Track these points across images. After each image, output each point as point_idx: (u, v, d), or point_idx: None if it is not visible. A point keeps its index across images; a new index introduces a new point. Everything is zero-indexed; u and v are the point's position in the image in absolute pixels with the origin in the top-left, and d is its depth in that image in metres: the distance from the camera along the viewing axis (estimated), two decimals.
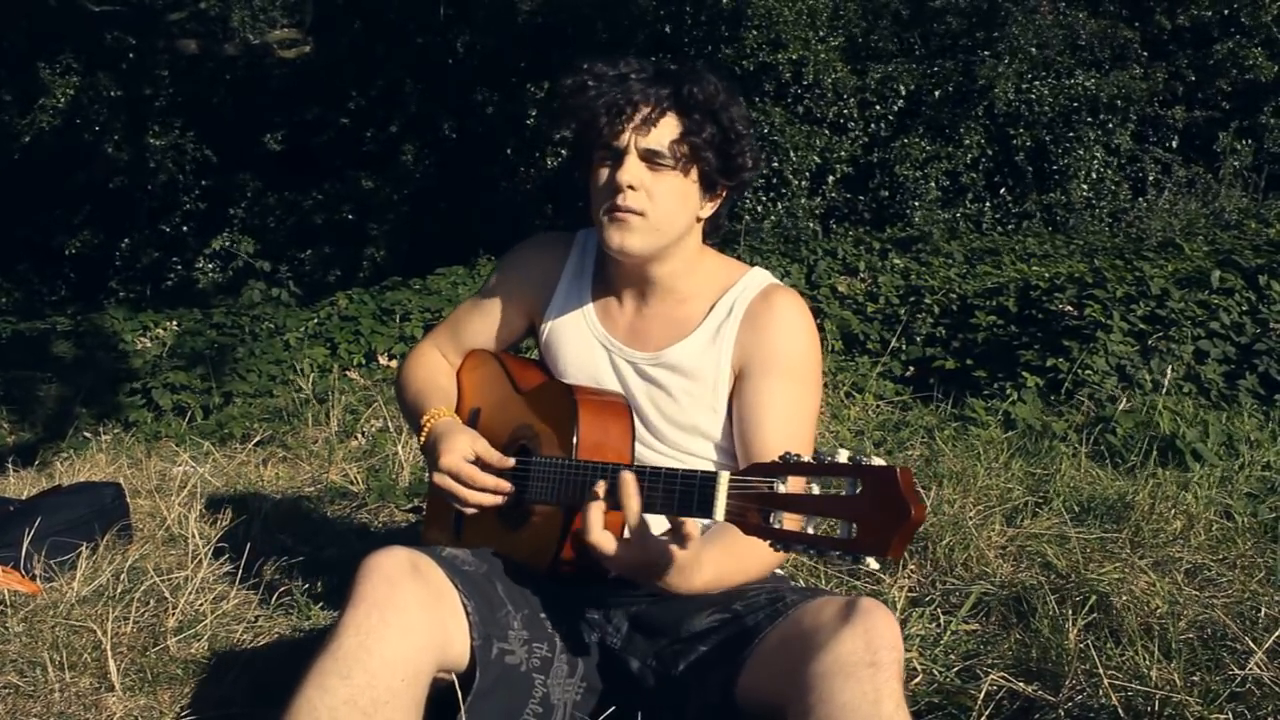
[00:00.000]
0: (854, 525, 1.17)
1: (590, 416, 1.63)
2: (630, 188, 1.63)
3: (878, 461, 1.17)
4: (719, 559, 1.58)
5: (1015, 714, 1.84)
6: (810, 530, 1.21)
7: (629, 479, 1.44)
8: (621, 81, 1.65)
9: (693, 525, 1.47)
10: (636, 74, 1.66)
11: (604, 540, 1.45)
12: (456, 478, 1.68)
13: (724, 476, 1.33)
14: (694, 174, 1.68)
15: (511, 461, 1.69)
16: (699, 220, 1.75)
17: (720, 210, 1.78)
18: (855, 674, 1.30)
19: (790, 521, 1.24)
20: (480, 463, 1.69)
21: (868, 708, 1.28)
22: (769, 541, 1.25)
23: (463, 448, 1.69)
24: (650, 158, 1.64)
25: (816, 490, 1.22)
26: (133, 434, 5.01)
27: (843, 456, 1.20)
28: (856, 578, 2.48)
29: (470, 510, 1.70)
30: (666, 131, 1.65)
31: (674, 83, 1.66)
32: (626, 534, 1.48)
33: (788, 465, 1.25)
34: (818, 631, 1.38)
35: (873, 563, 1.16)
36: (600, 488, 1.47)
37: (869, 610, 1.38)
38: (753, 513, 1.28)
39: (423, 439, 1.79)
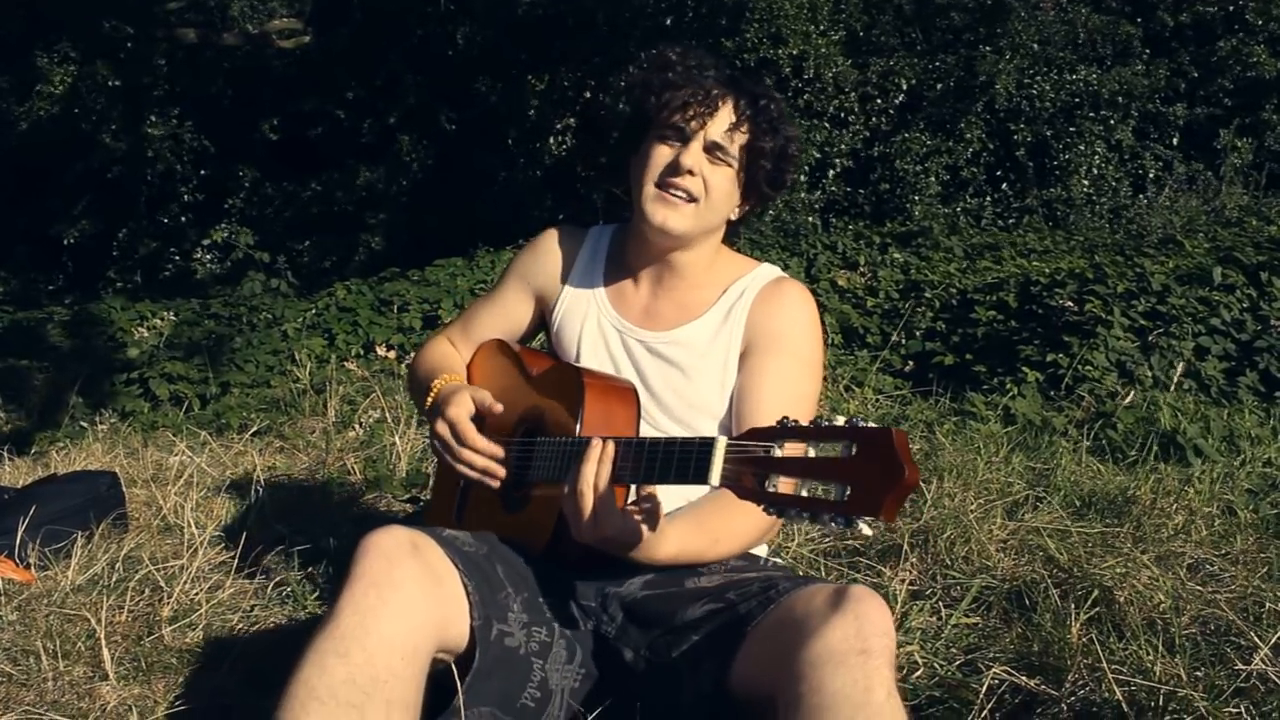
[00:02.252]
0: (847, 487, 1.16)
1: (596, 398, 1.63)
2: (690, 172, 1.71)
3: (874, 425, 1.16)
4: (687, 533, 1.60)
5: (1017, 708, 1.83)
6: (804, 494, 1.20)
7: (597, 446, 1.48)
8: (702, 71, 1.76)
9: (658, 499, 1.51)
10: (716, 69, 1.77)
11: (580, 502, 1.47)
12: (454, 430, 1.70)
13: (721, 441, 1.32)
14: (743, 177, 1.77)
15: (500, 407, 1.72)
16: (729, 220, 1.84)
17: (746, 217, 1.88)
18: (846, 662, 1.29)
19: (785, 485, 1.23)
20: (482, 418, 1.73)
21: (859, 695, 1.26)
22: (763, 505, 1.24)
23: (467, 403, 1.72)
24: (714, 149, 1.73)
25: (814, 454, 1.21)
26: (129, 423, 4.99)
27: (839, 421, 1.20)
28: (857, 570, 2.46)
29: (463, 470, 1.71)
30: (736, 132, 1.74)
31: (750, 91, 1.76)
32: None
33: (785, 430, 1.24)
34: (809, 618, 1.37)
35: (865, 528, 1.15)
36: (581, 458, 1.49)
37: (860, 597, 1.37)
38: (748, 477, 1.27)
39: (429, 401, 1.81)
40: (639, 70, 1.79)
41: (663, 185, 1.73)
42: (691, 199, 1.73)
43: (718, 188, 1.74)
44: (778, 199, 1.89)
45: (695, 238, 1.79)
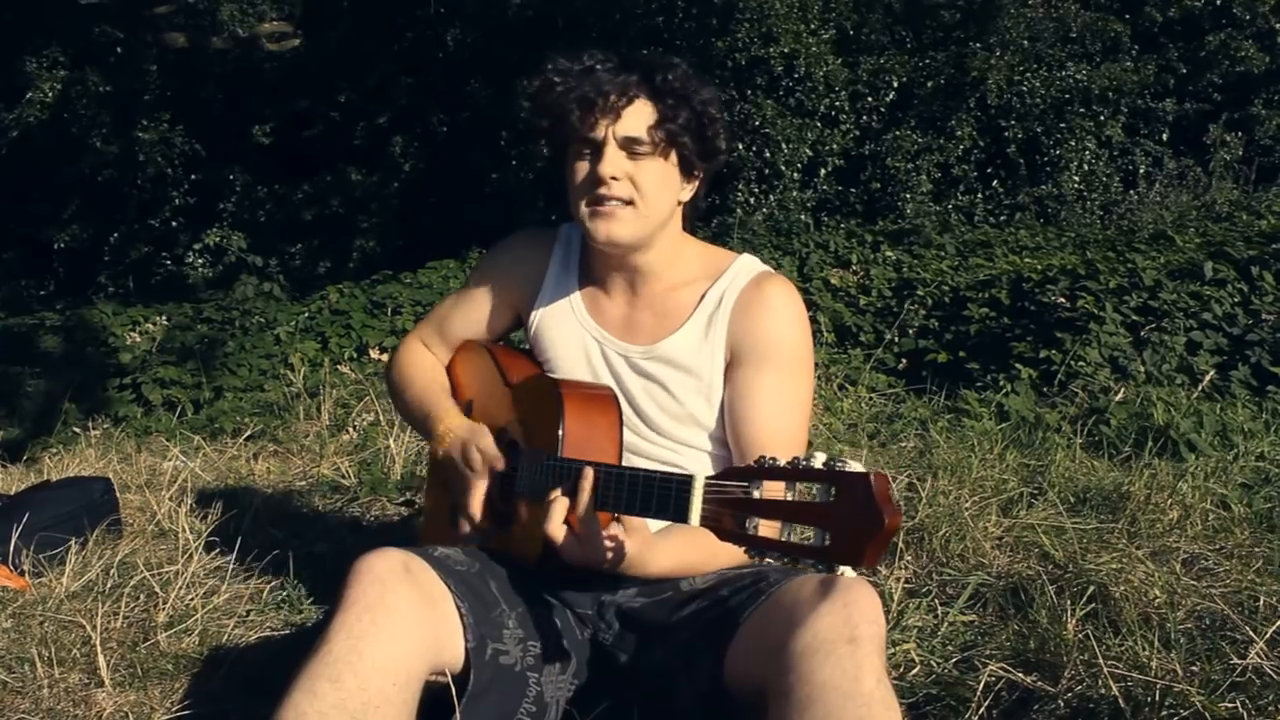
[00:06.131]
0: (827, 534, 1.15)
1: (576, 411, 1.62)
2: (614, 179, 1.63)
3: (854, 467, 1.15)
4: (682, 549, 1.59)
5: (1014, 705, 1.83)
6: (785, 537, 1.19)
7: (585, 474, 1.45)
8: (588, 74, 1.64)
9: (639, 522, 1.49)
10: (602, 65, 1.65)
11: (557, 533, 1.45)
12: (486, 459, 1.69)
13: (699, 481, 1.30)
14: (673, 158, 1.68)
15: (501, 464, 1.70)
16: (680, 204, 1.75)
17: (698, 193, 1.78)
18: (834, 651, 1.29)
19: (765, 528, 1.22)
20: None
21: (847, 685, 1.26)
22: (744, 548, 1.24)
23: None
24: (629, 145, 1.63)
25: (792, 496, 1.20)
26: (122, 429, 4.97)
27: (818, 461, 1.17)
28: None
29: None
30: (642, 118, 1.64)
31: (642, 70, 1.65)
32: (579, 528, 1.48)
33: (763, 470, 1.23)
34: (797, 607, 1.37)
35: (848, 571, 1.14)
36: (562, 484, 1.48)
37: (849, 585, 1.36)
38: (727, 518, 1.26)
39: (443, 446, 1.77)
40: (533, 94, 1.68)
41: (593, 201, 1.64)
42: (627, 203, 1.64)
43: (650, 182, 1.64)
44: (721, 162, 1.75)
45: (649, 236, 1.69)
